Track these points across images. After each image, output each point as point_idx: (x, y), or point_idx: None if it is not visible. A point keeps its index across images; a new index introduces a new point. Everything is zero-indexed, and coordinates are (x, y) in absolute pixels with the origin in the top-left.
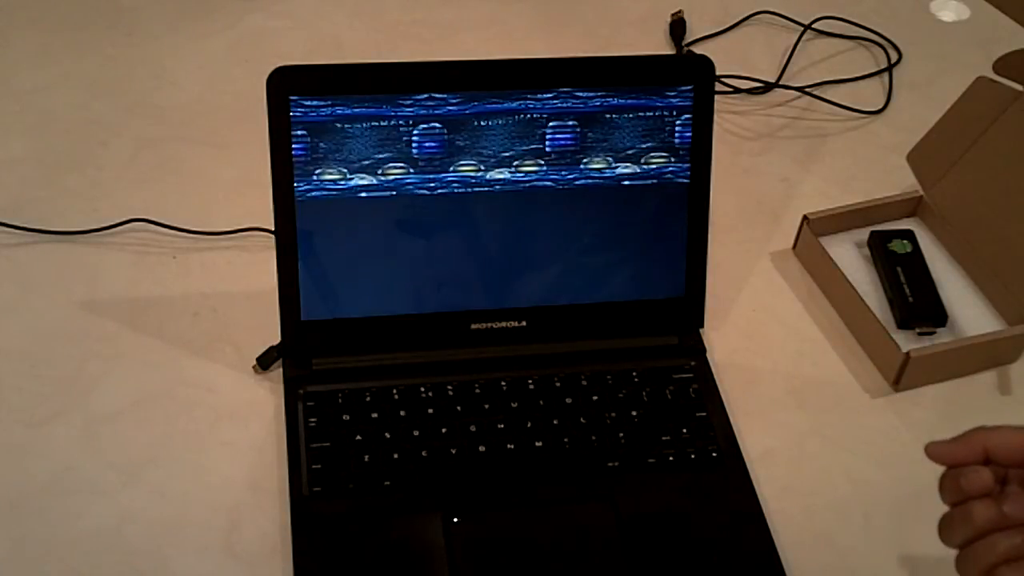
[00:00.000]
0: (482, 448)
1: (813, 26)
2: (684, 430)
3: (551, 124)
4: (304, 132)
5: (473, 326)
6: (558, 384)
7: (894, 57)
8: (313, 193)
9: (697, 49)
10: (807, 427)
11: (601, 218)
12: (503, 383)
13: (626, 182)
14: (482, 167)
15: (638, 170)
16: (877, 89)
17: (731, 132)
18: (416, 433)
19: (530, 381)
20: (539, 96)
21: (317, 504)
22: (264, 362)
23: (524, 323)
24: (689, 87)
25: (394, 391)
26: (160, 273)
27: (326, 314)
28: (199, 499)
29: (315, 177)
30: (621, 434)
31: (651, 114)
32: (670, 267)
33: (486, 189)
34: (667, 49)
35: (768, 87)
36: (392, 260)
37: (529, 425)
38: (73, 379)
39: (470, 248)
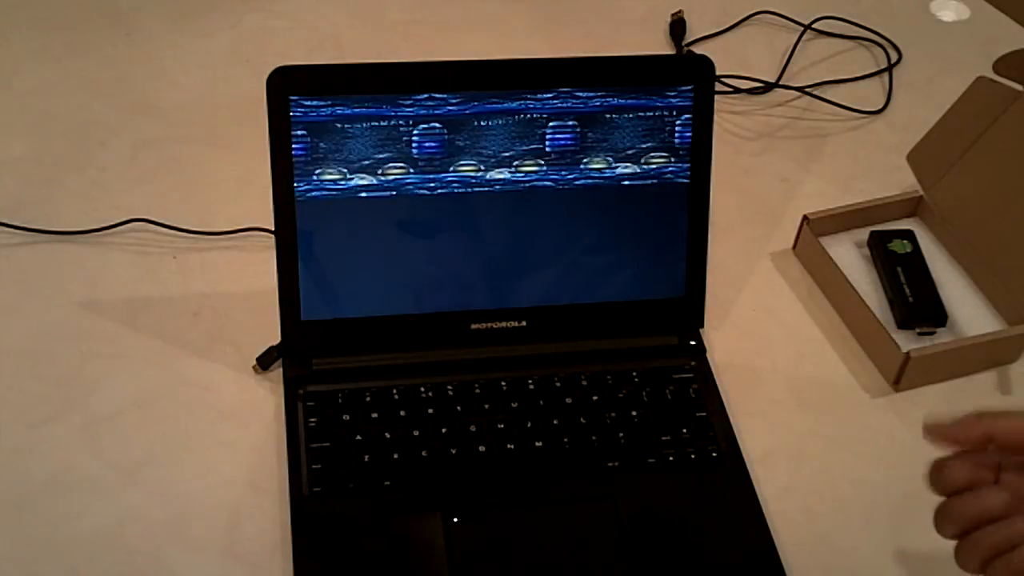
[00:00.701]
0: (482, 448)
1: (813, 26)
2: (684, 430)
3: (551, 124)
4: (304, 132)
5: (473, 326)
6: (558, 384)
7: (894, 57)
8: (313, 193)
9: (697, 49)
10: (807, 427)
11: (601, 218)
12: (503, 383)
13: (626, 182)
14: (482, 167)
15: (638, 170)
16: (877, 89)
17: (731, 132)
18: (416, 433)
19: (530, 381)
20: (539, 96)
21: (317, 504)
22: (264, 362)
23: (524, 323)
24: (689, 87)
25: (394, 391)
26: (160, 273)
27: (326, 314)
28: (199, 499)
29: (315, 177)
30: (621, 434)
31: (651, 114)
32: (670, 267)
33: (486, 189)
34: (667, 49)
35: (768, 87)
36: (392, 260)
37: (529, 425)
38: (73, 379)
39: (470, 248)
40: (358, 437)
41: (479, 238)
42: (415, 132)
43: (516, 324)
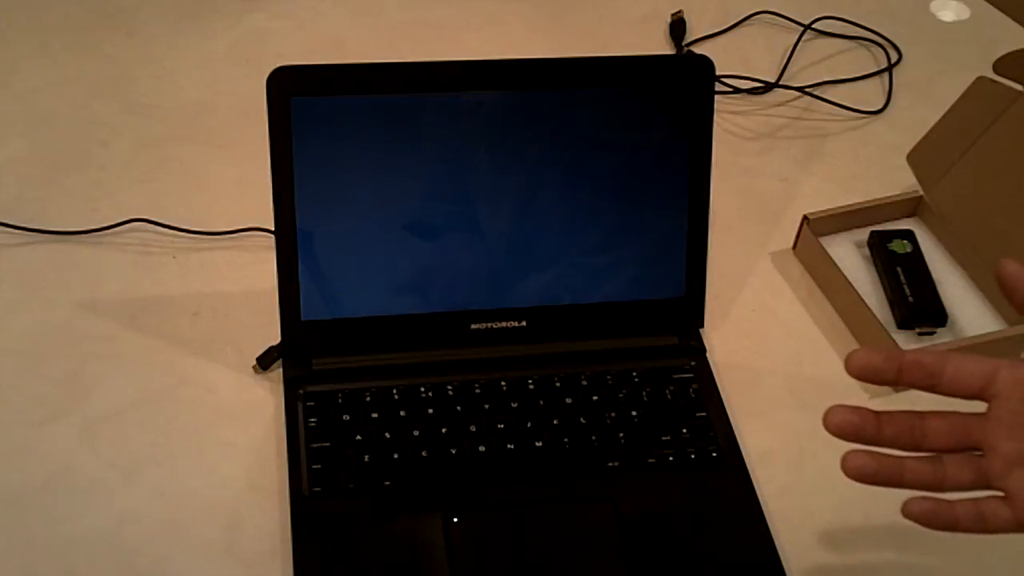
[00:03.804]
0: (482, 448)
1: (813, 26)
2: (684, 430)
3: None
4: (304, 132)
5: (473, 326)
6: (558, 384)
7: (894, 57)
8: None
9: (697, 49)
10: (807, 427)
11: (601, 218)
12: (503, 383)
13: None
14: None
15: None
16: (877, 89)
17: (731, 132)
18: (416, 433)
19: (530, 381)
20: (539, 96)
21: (317, 504)
22: (264, 362)
23: (524, 323)
24: (689, 87)
25: (394, 391)
26: (160, 273)
27: (326, 314)
28: (199, 499)
29: (315, 177)
30: (621, 434)
31: (651, 114)
32: (670, 267)
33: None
34: (667, 49)
35: (768, 87)
36: (392, 260)
37: (529, 425)
38: (73, 379)
39: (471, 248)
40: (358, 437)
41: (479, 238)
42: None
43: (516, 324)
